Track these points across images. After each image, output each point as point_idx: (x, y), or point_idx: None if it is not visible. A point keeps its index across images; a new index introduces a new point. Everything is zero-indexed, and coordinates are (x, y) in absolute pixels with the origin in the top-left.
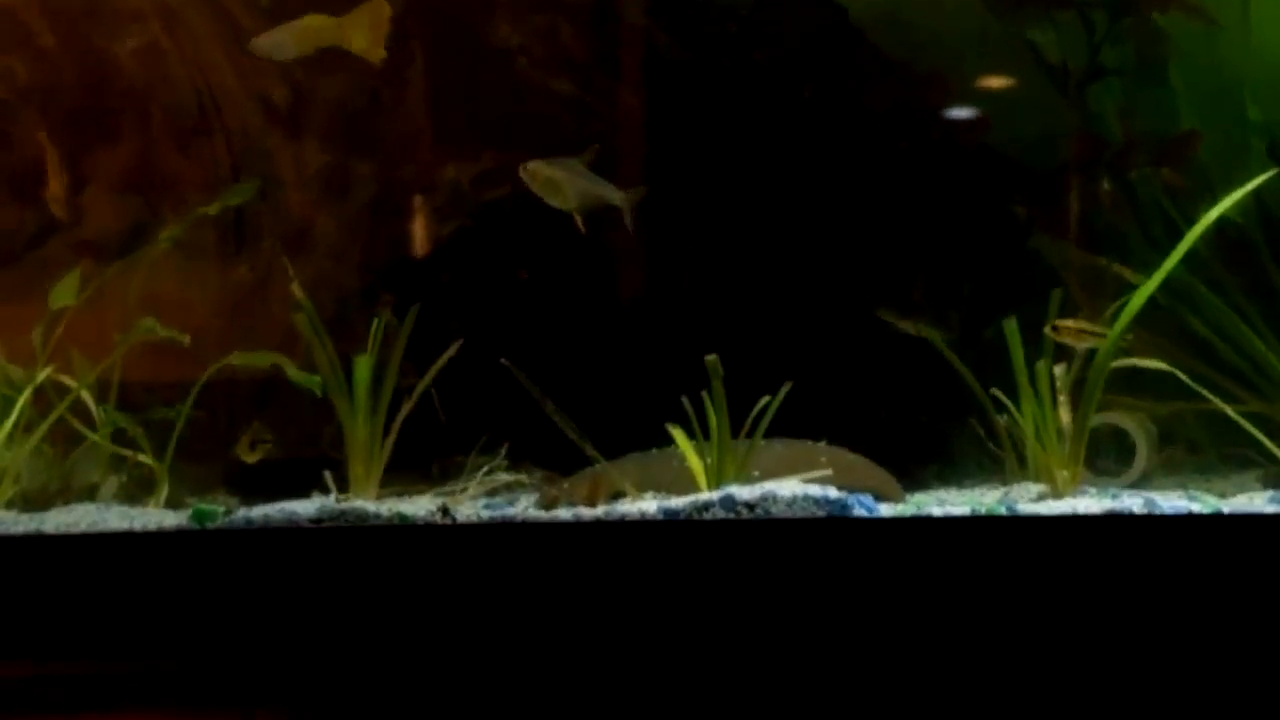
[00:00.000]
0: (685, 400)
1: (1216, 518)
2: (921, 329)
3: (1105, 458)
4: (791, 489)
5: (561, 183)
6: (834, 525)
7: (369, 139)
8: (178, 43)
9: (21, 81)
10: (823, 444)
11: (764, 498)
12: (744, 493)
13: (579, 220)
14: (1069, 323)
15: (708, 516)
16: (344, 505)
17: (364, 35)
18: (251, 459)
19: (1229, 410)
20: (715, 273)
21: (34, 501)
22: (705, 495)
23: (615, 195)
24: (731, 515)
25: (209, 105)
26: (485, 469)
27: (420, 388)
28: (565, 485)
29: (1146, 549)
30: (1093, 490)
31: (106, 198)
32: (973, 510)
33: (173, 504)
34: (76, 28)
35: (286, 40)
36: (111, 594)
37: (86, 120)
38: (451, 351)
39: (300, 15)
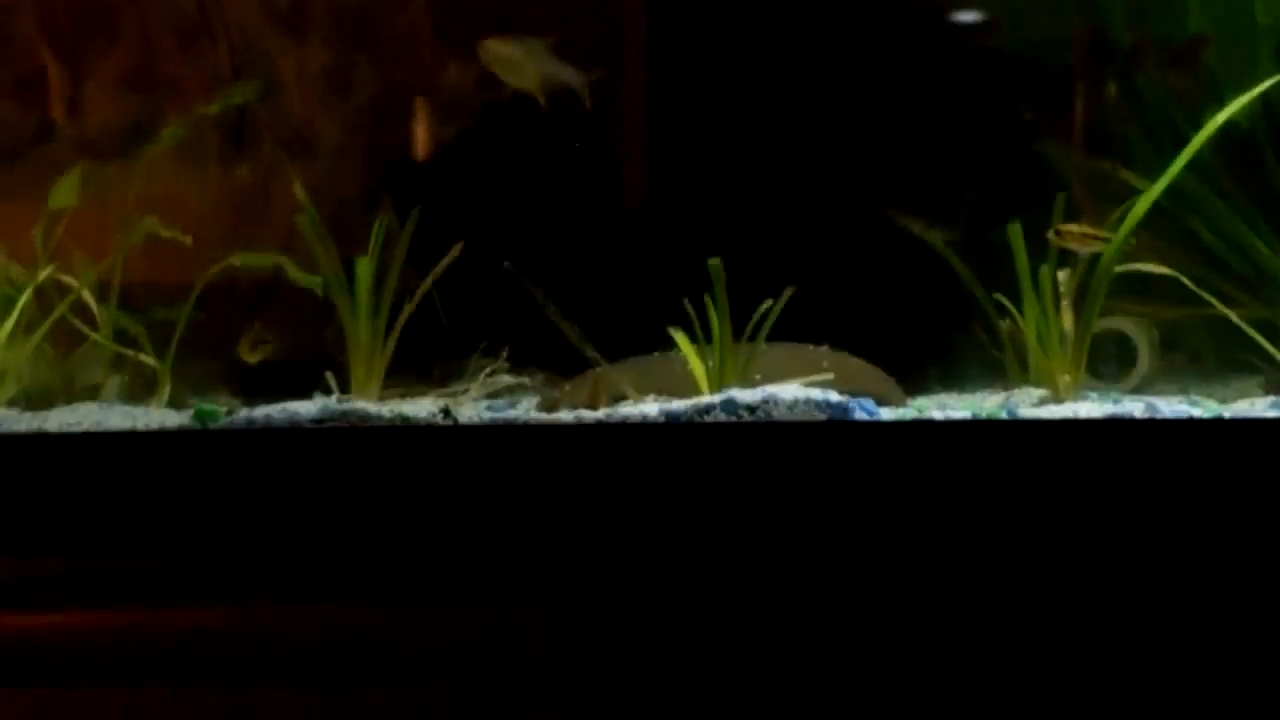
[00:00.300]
0: (687, 303)
1: (1217, 422)
2: (926, 231)
3: (1107, 363)
4: (793, 392)
5: (520, 61)
6: (835, 428)
7: (371, 39)
8: None
9: None
10: (825, 348)
11: (765, 401)
12: (745, 396)
13: (540, 99)
14: (1072, 227)
15: (709, 419)
16: (345, 406)
17: None
18: (253, 359)
19: (1231, 315)
20: (718, 176)
21: (36, 401)
22: (707, 398)
23: (574, 77)
24: (733, 418)
25: (209, 3)
26: (487, 371)
27: (421, 290)
28: (567, 388)
29: (1147, 452)
30: (1094, 395)
31: (106, 97)
32: (973, 414)
33: (175, 404)
34: None
35: None
36: (113, 493)
37: (86, 19)
38: (453, 254)
39: None
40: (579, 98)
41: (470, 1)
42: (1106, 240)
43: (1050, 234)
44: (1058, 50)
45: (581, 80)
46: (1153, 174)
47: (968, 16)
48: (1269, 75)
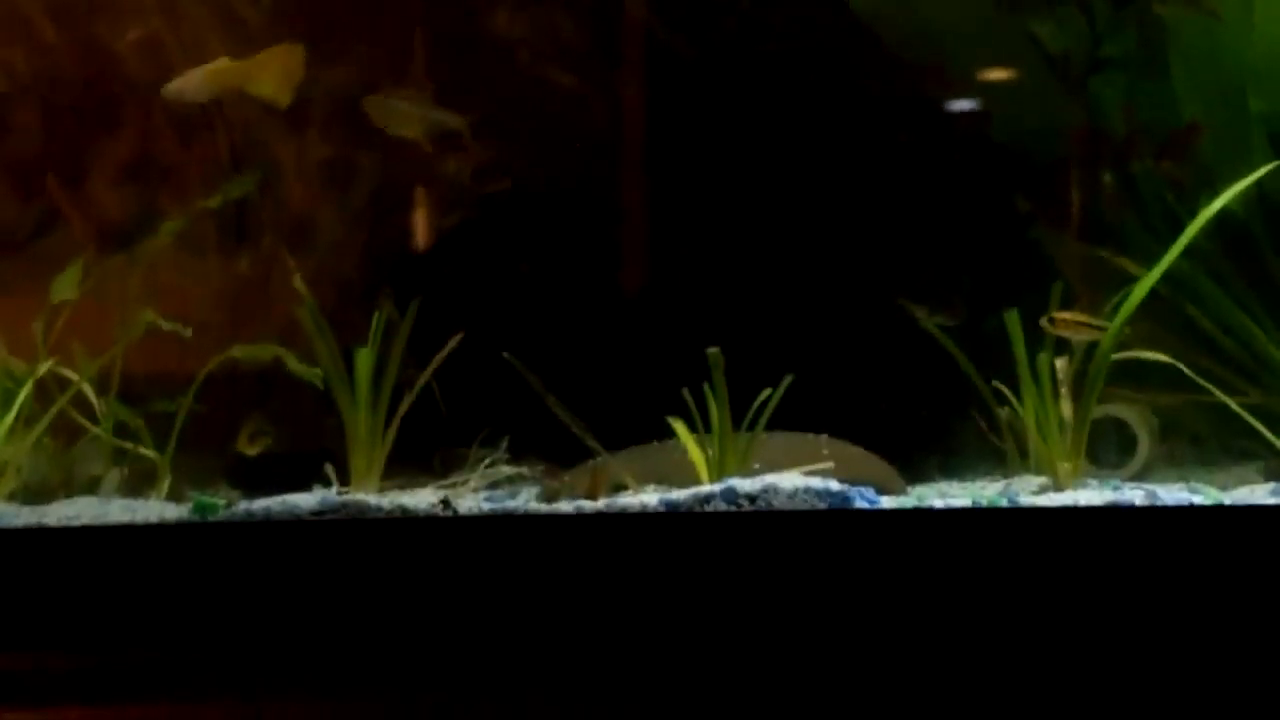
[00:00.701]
0: (686, 393)
1: (1218, 509)
2: (931, 317)
3: (1107, 450)
4: (793, 481)
5: (403, 111)
6: (835, 517)
7: (370, 131)
8: (178, 35)
9: (22, 74)
10: (824, 436)
11: (765, 490)
12: (745, 485)
13: (425, 144)
14: (1065, 315)
15: (709, 509)
16: (345, 498)
17: (272, 80)
18: (252, 451)
19: (1230, 402)
20: (716, 265)
21: (36, 494)
22: (706, 488)
23: (454, 119)
24: (733, 507)
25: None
26: (487, 462)
27: (421, 381)
28: (566, 478)
29: (1148, 541)
30: (1094, 482)
31: (107, 190)
32: (974, 502)
33: (174, 497)
34: (77, 20)
35: (197, 84)
36: (113, 586)
37: (87, 113)
38: (452, 345)
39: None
40: (462, 139)
41: (469, 95)
42: (1099, 328)
43: (1044, 321)
44: (1054, 139)
45: (460, 121)
46: (1149, 261)
47: (964, 106)
48: (1263, 162)
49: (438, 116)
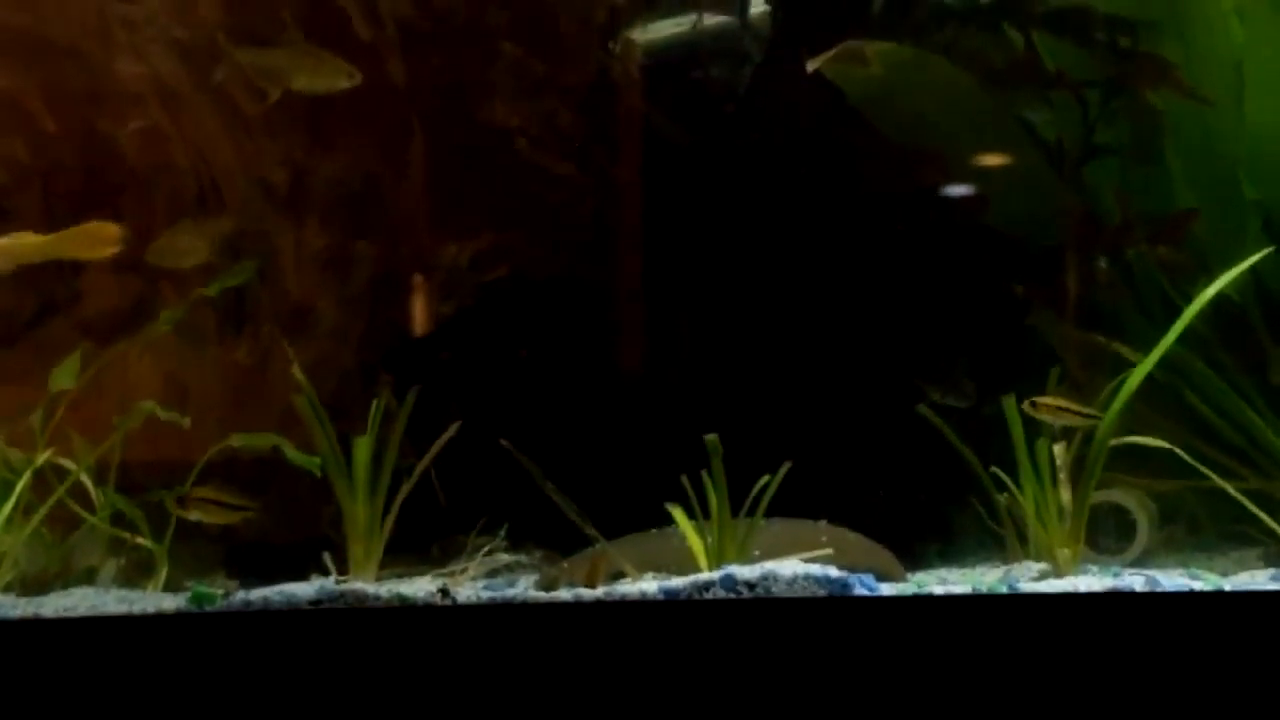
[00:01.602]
0: (685, 480)
1: (1218, 595)
2: (943, 400)
3: (1106, 536)
4: (792, 568)
5: (181, 246)
6: (835, 605)
7: (369, 220)
8: (178, 125)
9: (23, 163)
10: (823, 523)
11: (765, 577)
12: (744, 572)
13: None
14: (1047, 400)
15: (708, 596)
16: (343, 586)
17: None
18: (188, 516)
19: (1229, 488)
20: (714, 352)
21: (33, 585)
22: (706, 575)
23: (229, 223)
24: (732, 595)
25: (208, 187)
26: (485, 550)
27: (420, 468)
28: (565, 565)
29: (1148, 627)
30: (1094, 568)
31: (106, 279)
32: (974, 588)
33: (171, 587)
34: (77, 111)
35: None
36: (111, 678)
37: (87, 202)
38: (451, 432)
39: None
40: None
41: (467, 183)
42: (1084, 414)
43: (1025, 405)
44: (1049, 226)
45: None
46: (1146, 347)
47: (960, 193)
48: (1258, 248)
49: (215, 234)
